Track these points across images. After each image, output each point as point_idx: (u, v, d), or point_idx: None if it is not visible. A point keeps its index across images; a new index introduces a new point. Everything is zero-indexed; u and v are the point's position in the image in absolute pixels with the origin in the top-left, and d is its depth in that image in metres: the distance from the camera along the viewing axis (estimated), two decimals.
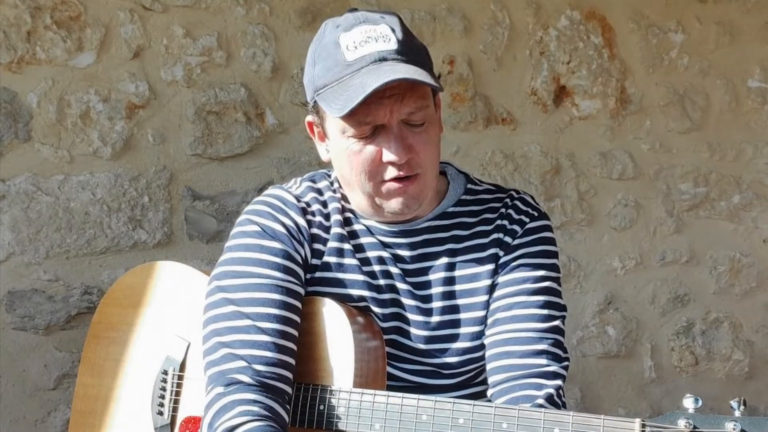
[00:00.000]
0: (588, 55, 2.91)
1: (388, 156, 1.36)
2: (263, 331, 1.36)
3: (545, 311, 1.43)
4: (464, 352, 1.47)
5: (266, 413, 1.31)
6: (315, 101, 1.41)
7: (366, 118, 1.34)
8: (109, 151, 2.41)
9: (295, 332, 1.39)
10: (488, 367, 1.44)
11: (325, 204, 1.50)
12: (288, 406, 1.37)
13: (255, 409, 1.31)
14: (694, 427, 1.20)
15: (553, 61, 2.88)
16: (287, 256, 1.42)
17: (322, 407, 1.36)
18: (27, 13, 2.31)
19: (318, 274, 1.47)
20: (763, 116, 3.13)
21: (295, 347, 1.38)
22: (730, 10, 3.08)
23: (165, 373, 1.58)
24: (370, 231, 1.49)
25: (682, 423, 1.20)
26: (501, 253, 1.47)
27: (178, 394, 1.56)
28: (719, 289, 3.12)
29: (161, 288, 1.65)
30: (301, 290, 1.43)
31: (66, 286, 2.38)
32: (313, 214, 1.48)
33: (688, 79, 3.04)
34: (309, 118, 1.48)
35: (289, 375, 1.37)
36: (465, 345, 1.47)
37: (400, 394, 1.34)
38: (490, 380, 1.43)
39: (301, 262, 1.44)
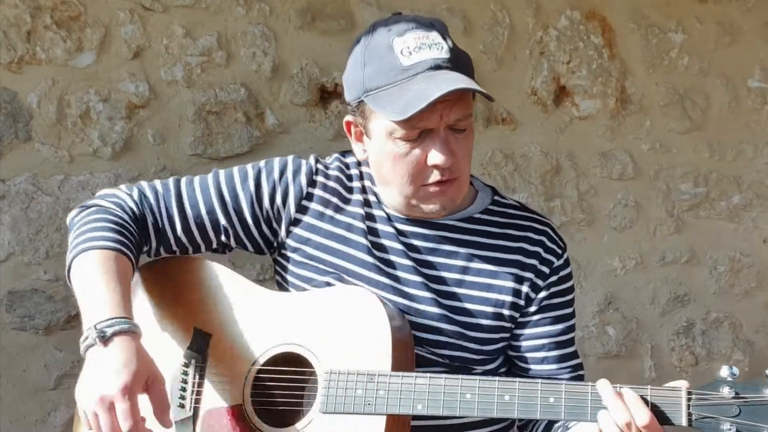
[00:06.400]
0: (588, 55, 2.91)
1: (434, 159, 1.41)
2: (187, 209, 1.61)
3: (571, 349, 1.63)
4: (457, 349, 1.51)
5: (131, 218, 1.54)
6: (360, 102, 1.44)
7: (419, 122, 1.39)
8: (109, 151, 2.41)
9: (201, 243, 1.63)
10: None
11: (350, 178, 1.59)
12: (136, 252, 1.53)
13: (126, 213, 1.54)
14: (737, 394, 1.24)
15: (553, 61, 2.88)
16: (251, 203, 1.57)
17: (360, 391, 1.37)
18: (27, 13, 2.31)
19: (326, 242, 1.54)
20: (763, 116, 3.13)
21: (190, 248, 1.63)
22: (730, 10, 3.08)
23: (186, 365, 1.56)
24: (389, 218, 1.54)
25: (725, 390, 1.25)
26: (526, 285, 1.53)
27: (200, 386, 1.55)
28: (719, 289, 3.12)
29: (181, 280, 1.66)
30: (230, 229, 1.61)
31: (66, 286, 2.37)
32: (327, 177, 1.57)
33: (688, 79, 3.04)
34: (348, 117, 1.52)
35: (173, 247, 1.62)
36: (462, 343, 1.51)
37: (443, 375, 1.35)
38: None
39: (259, 219, 1.58)
